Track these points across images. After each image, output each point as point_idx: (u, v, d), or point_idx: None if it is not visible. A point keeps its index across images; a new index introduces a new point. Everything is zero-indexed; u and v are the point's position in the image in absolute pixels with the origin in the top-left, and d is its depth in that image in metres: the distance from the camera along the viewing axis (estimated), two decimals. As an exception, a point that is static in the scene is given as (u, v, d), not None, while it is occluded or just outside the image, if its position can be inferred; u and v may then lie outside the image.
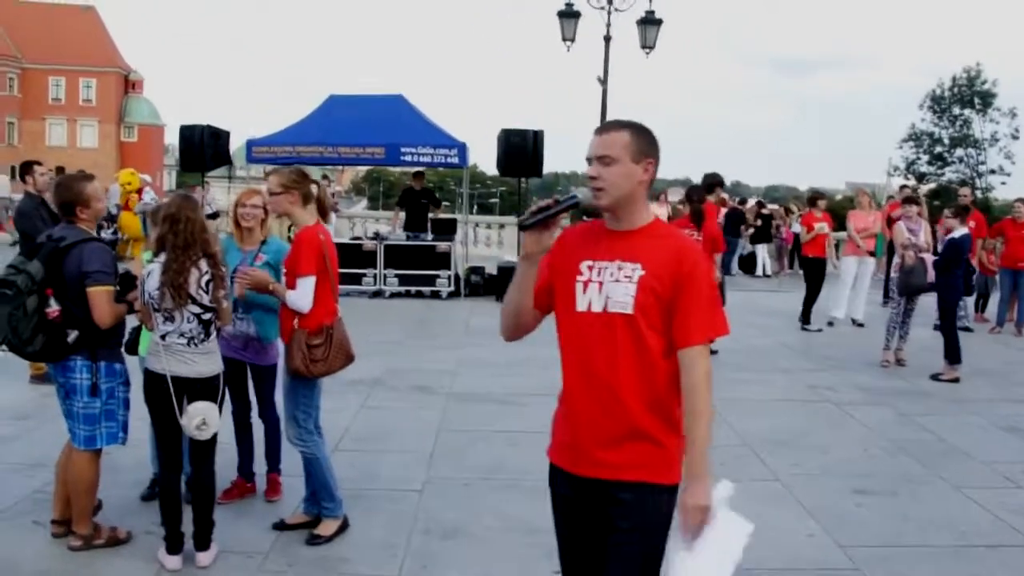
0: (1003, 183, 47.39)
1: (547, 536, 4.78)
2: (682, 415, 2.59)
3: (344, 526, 4.76)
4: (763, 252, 20.86)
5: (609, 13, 16.70)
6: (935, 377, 9.12)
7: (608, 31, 16.91)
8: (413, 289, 14.32)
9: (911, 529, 5.13)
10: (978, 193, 38.35)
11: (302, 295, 4.46)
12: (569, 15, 17.14)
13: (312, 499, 4.79)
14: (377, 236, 14.74)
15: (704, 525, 2.51)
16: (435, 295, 14.30)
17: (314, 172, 18.19)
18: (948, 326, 9.32)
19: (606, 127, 2.66)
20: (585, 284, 2.61)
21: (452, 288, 14.38)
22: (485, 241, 21.52)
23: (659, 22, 17.23)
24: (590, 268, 2.62)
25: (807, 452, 6.54)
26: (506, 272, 14.80)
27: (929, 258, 9.63)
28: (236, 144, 16.37)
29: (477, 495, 5.48)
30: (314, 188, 4.66)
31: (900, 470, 6.14)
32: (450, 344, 10.46)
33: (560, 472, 2.74)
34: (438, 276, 14.27)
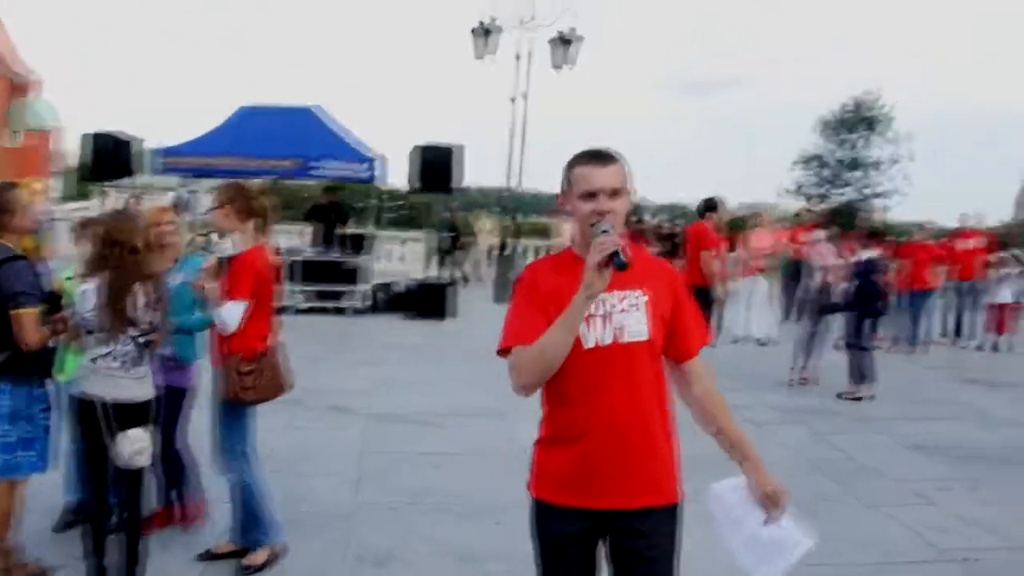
0: (891, 206, 49.09)
1: (480, 563, 4.83)
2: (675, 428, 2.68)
3: (275, 555, 4.63)
4: None
5: (526, 31, 16.84)
6: (840, 396, 9.41)
7: (524, 49, 17.04)
8: (322, 305, 14.12)
9: (832, 549, 5.24)
10: (872, 215, 39.62)
11: (230, 316, 4.32)
12: (484, 32, 17.19)
13: (243, 529, 4.65)
14: (287, 251, 14.50)
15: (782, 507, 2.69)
16: (343, 311, 14.12)
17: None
18: (859, 346, 9.61)
19: (605, 158, 2.59)
20: (588, 320, 2.54)
21: (362, 304, 14.24)
22: (400, 257, 21.43)
23: (572, 41, 17.40)
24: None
25: (733, 472, 6.63)
26: (429, 289, 14.75)
27: (841, 279, 9.94)
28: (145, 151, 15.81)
29: (406, 520, 5.41)
30: (256, 203, 4.52)
31: (816, 489, 6.29)
32: (364, 362, 10.35)
33: (560, 510, 2.66)
34: (348, 292, 14.12)
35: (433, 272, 18.22)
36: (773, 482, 2.72)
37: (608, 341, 2.57)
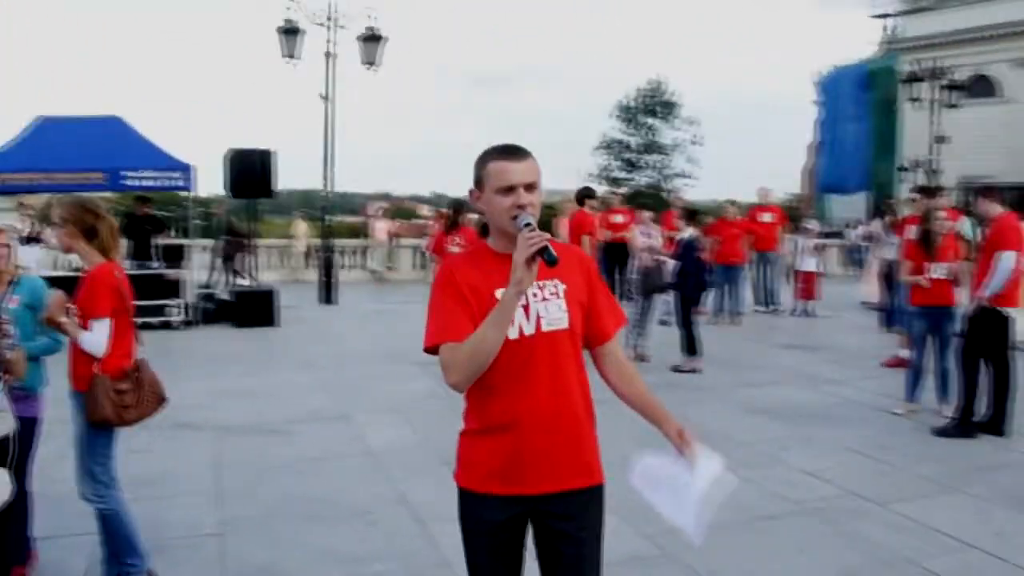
0: (689, 185, 51.44)
1: (366, 565, 4.78)
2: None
3: None
4: None
5: (331, 30, 16.57)
6: (676, 369, 9.81)
7: (330, 48, 16.77)
8: (145, 320, 13.48)
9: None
10: (665, 195, 41.31)
11: (98, 338, 4.10)
12: (290, 32, 16.82)
13: (112, 559, 4.42)
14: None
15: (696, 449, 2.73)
16: (169, 325, 13.55)
17: (30, 199, 16.58)
18: (687, 321, 10.05)
19: (521, 153, 2.61)
20: None
21: (187, 317, 13.72)
22: (218, 268, 20.70)
23: (382, 39, 17.28)
24: None
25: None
26: (254, 297, 14.32)
27: (668, 259, 10.36)
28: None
29: (280, 531, 5.27)
30: (100, 219, 4.28)
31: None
32: (198, 376, 9.96)
33: (490, 498, 2.68)
34: (169, 305, 13.55)
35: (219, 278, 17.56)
36: (677, 424, 2.80)
37: (531, 331, 2.60)
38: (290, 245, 23.05)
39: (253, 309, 14.04)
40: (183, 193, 14.93)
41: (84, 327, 4.14)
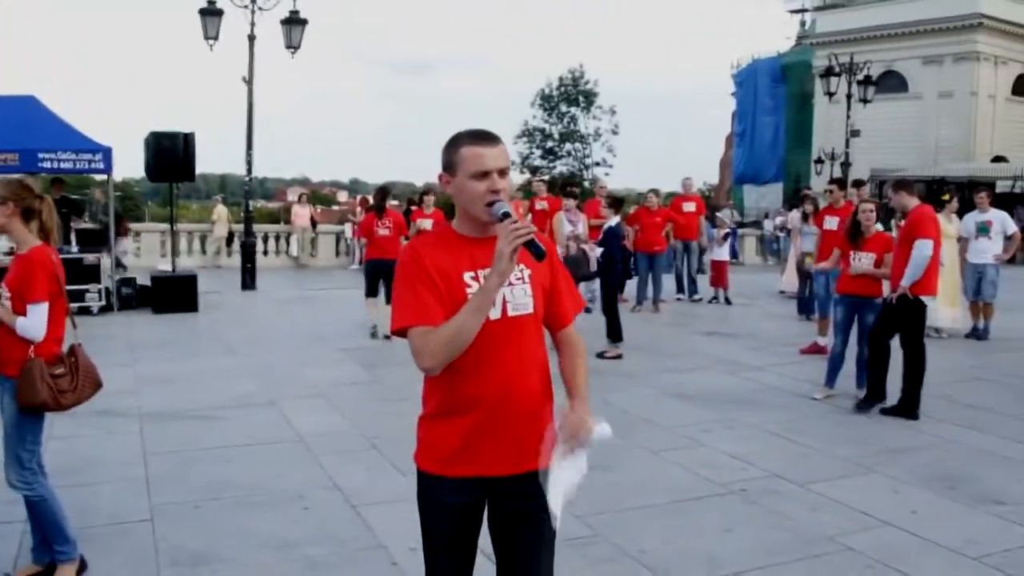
0: (607, 174, 51.97)
1: (296, 549, 4.80)
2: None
3: (82, 567, 4.38)
4: None
5: (253, 12, 16.31)
6: (600, 355, 9.96)
7: (252, 30, 16.50)
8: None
9: (630, 493, 5.64)
10: (587, 184, 41.69)
11: (35, 323, 4.04)
12: (211, 13, 16.51)
13: (42, 546, 4.36)
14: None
15: (582, 438, 2.65)
16: (89, 310, 13.24)
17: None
18: (610, 308, 10.20)
19: (494, 139, 2.63)
20: None
21: (104, 303, 13.43)
22: (135, 251, 20.35)
23: (303, 22, 17.10)
24: (475, 279, 2.61)
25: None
26: (176, 281, 14.06)
27: (592, 247, 10.50)
28: None
29: (212, 517, 5.24)
30: (39, 201, 4.22)
31: (603, 443, 6.68)
32: (121, 362, 9.76)
33: (451, 481, 2.69)
34: (87, 291, 13.24)
35: None
36: (583, 411, 2.71)
37: (497, 315, 2.61)
38: (210, 230, 22.66)
39: (173, 295, 13.80)
40: (99, 177, 14.59)
41: (19, 311, 4.06)
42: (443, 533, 2.75)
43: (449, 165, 2.64)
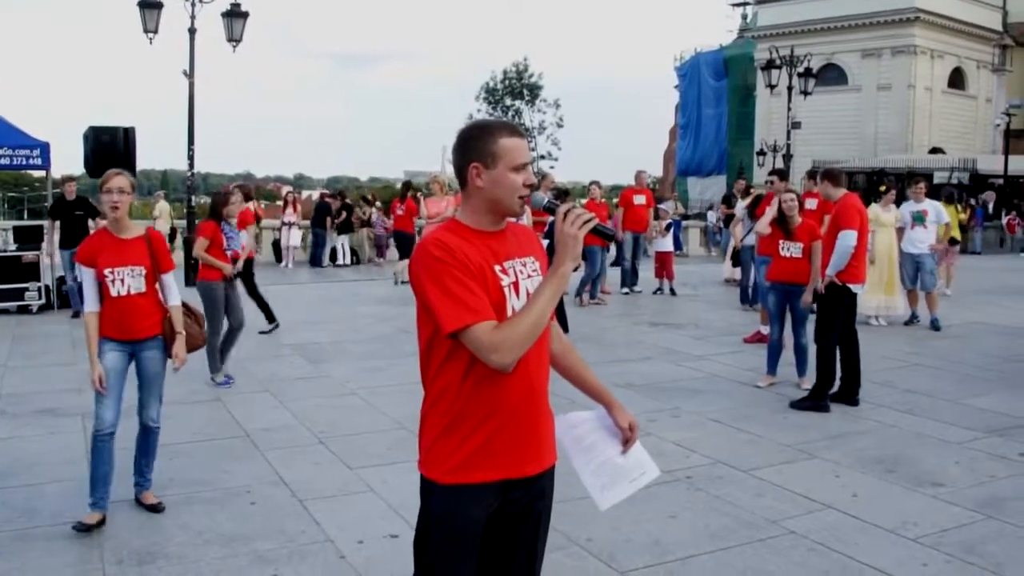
0: (552, 167, 52.22)
1: (244, 544, 4.79)
2: None
3: None
4: (345, 242, 21.44)
5: (193, 5, 16.10)
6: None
7: (193, 23, 16.29)
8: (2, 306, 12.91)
9: (577, 482, 5.65)
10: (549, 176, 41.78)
11: None
12: (150, 5, 16.25)
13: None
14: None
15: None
16: (27, 309, 12.98)
17: None
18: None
19: (521, 131, 2.59)
20: (515, 287, 2.53)
21: (43, 301, 13.19)
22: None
23: (245, 15, 16.92)
24: (503, 271, 2.52)
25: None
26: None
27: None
28: None
29: (157, 514, 5.20)
30: None
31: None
32: (62, 362, 9.64)
33: (478, 489, 2.54)
34: (27, 289, 12.99)
35: None
36: (631, 417, 2.91)
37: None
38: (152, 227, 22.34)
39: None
40: (37, 173, 14.32)
41: None
42: (468, 556, 2.58)
43: (485, 156, 2.51)
